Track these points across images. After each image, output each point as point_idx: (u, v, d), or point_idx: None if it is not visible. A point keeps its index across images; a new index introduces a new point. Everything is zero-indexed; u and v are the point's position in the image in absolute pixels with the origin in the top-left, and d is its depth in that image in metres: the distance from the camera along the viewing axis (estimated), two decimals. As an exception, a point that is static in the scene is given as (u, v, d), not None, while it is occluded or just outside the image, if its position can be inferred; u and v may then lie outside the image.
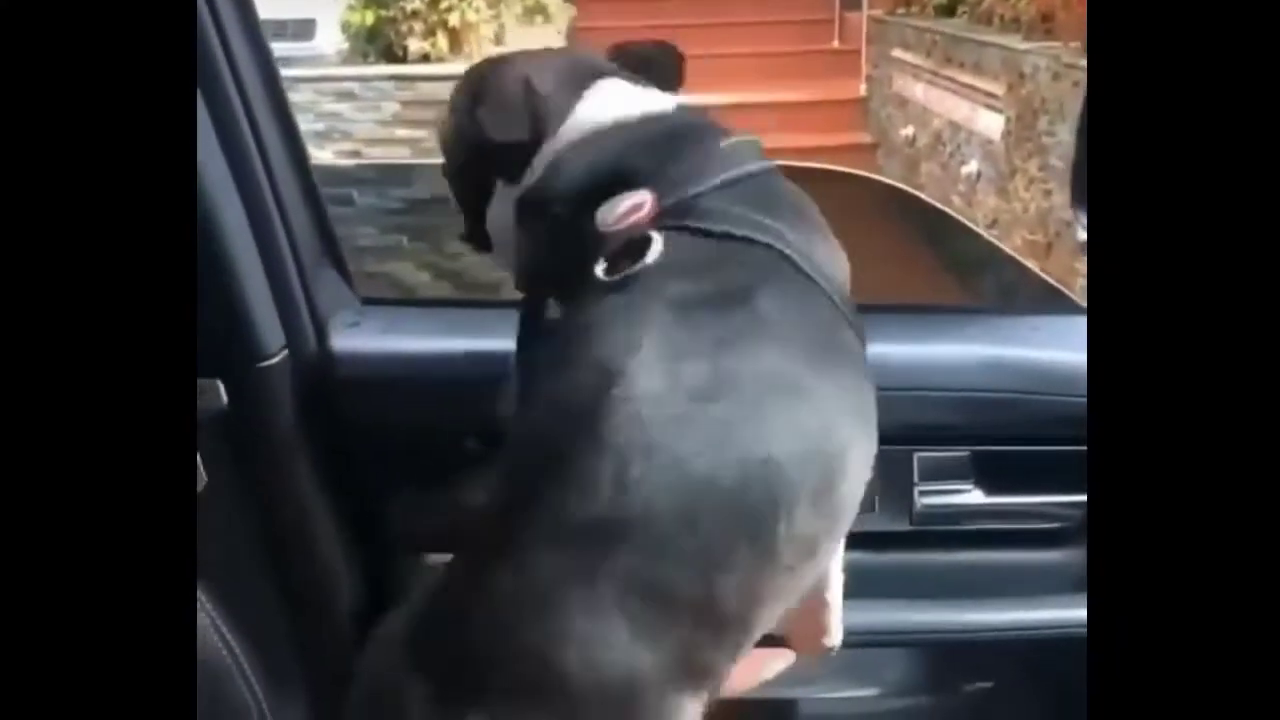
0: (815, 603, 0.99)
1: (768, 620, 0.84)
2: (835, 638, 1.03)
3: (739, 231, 0.91)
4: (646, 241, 0.91)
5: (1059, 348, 1.20)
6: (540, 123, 1.02)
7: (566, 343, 0.89)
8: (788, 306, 0.88)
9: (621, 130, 1.01)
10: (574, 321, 0.92)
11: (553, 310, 1.02)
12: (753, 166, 0.97)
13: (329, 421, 1.20)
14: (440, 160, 1.13)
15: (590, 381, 0.82)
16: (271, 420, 1.15)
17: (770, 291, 0.87)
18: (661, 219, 0.93)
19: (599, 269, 0.91)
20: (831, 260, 0.95)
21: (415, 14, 4.94)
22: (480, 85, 1.07)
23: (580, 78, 1.05)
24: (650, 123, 1.01)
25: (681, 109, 1.04)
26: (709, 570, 0.79)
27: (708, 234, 0.91)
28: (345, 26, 5.12)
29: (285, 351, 1.15)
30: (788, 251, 0.90)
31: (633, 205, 0.94)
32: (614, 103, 1.03)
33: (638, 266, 0.89)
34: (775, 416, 0.82)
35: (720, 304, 0.86)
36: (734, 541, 0.80)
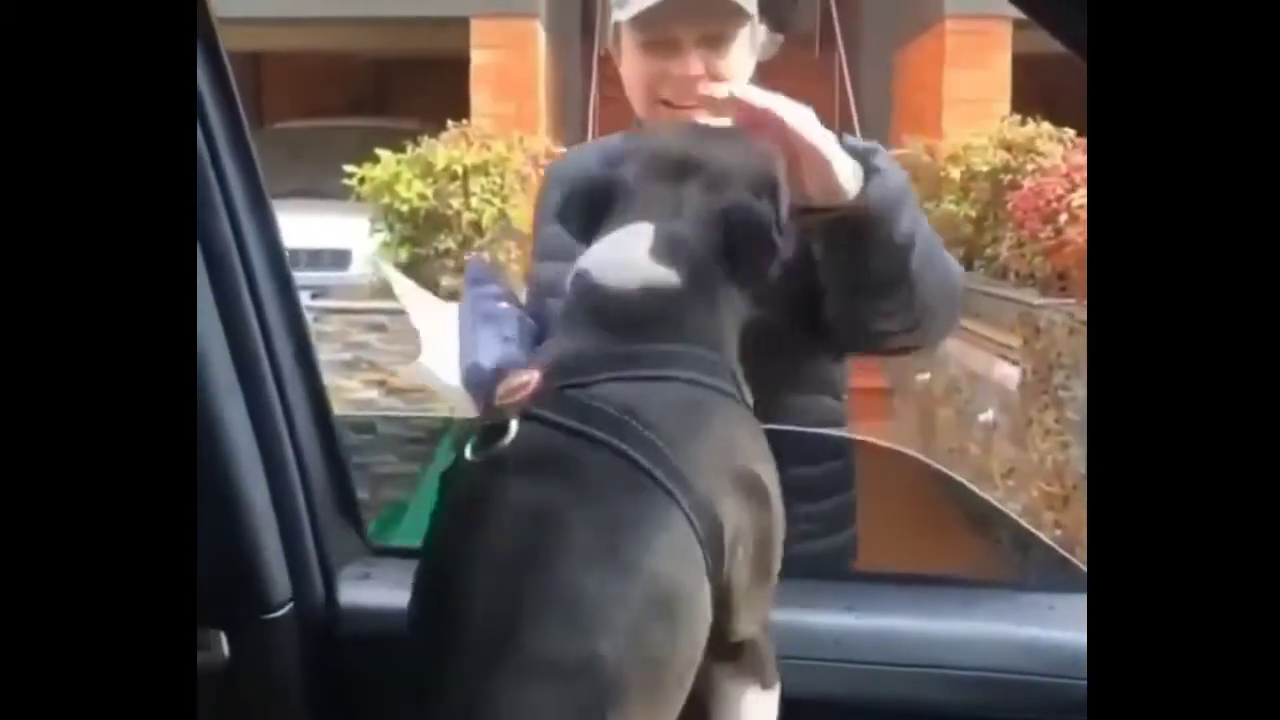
0: None
1: None
2: None
3: (581, 427, 0.96)
4: (505, 428, 0.97)
5: (1076, 628, 1.17)
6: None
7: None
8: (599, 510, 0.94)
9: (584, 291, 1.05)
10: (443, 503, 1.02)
11: None
12: (645, 371, 1.00)
13: (334, 678, 1.17)
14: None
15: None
16: (274, 675, 1.13)
17: (579, 499, 0.94)
18: (536, 401, 0.98)
19: (468, 448, 0.98)
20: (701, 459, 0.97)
21: (448, 253, 5.15)
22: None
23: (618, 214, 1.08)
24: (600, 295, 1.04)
25: (643, 290, 1.03)
26: None
27: (556, 425, 0.96)
28: (379, 263, 5.33)
29: (291, 603, 1.14)
30: (629, 451, 0.94)
31: (519, 384, 1.00)
32: (608, 256, 1.05)
33: (494, 451, 0.96)
34: None
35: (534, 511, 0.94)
36: None
